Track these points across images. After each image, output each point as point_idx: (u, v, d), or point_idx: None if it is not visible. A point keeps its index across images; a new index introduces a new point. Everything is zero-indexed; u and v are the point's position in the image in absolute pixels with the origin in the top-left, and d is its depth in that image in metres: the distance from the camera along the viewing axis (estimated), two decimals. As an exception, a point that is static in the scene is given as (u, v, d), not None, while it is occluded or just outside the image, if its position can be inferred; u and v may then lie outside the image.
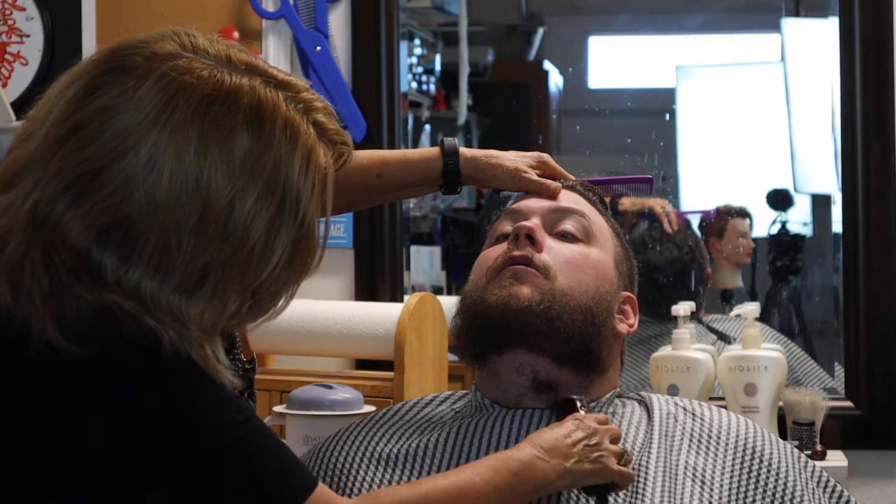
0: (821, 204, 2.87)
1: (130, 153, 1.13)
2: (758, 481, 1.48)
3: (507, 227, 1.60)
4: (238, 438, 1.15)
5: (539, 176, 1.64)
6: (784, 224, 2.90)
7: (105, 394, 1.12)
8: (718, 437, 1.52)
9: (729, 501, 1.46)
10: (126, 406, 1.12)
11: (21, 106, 2.59)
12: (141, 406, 1.12)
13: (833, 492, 1.54)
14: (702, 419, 1.55)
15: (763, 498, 1.47)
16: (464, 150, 1.66)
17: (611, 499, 1.44)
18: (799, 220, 2.92)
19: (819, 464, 1.65)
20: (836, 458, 2.33)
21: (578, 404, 1.49)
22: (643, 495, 1.44)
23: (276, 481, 1.16)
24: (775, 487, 1.48)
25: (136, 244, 1.13)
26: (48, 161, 1.14)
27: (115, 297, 1.12)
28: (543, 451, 1.37)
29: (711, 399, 2.30)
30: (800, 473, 1.51)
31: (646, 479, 1.46)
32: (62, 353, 1.12)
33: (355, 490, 1.50)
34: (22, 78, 2.62)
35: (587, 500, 1.44)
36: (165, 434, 1.12)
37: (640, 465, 1.48)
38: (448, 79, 3.18)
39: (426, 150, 1.68)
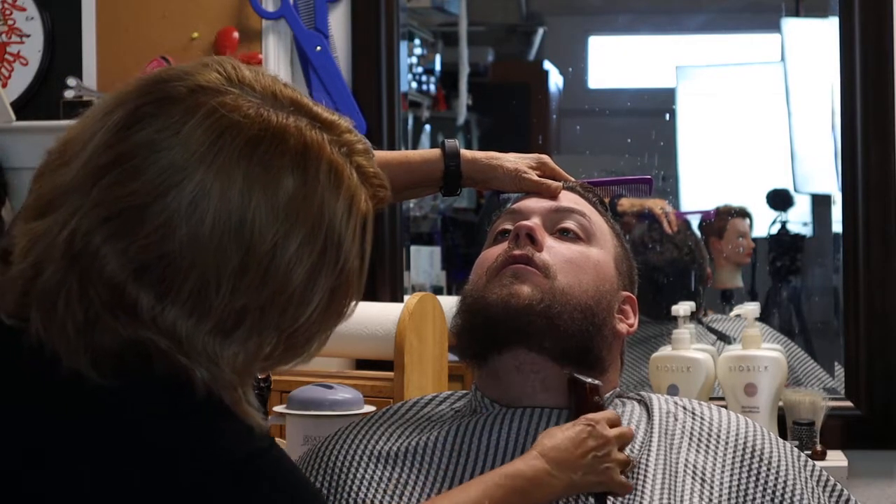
0: (821, 204, 2.87)
1: (174, 191, 1.11)
2: (758, 480, 1.48)
3: (507, 226, 1.60)
4: (260, 467, 1.14)
5: (539, 177, 1.65)
6: (784, 224, 2.90)
7: (128, 425, 1.12)
8: (718, 436, 1.52)
9: (729, 499, 1.46)
10: (148, 438, 1.11)
11: (21, 106, 2.60)
12: (163, 439, 1.12)
13: (833, 491, 1.54)
14: (702, 418, 1.55)
15: (763, 496, 1.47)
16: (464, 152, 1.66)
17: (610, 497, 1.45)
18: (799, 220, 2.92)
19: (819, 464, 1.65)
20: (836, 458, 2.34)
21: (588, 388, 1.49)
22: (643, 494, 1.45)
23: None
24: (775, 486, 1.48)
25: (174, 283, 1.11)
26: (87, 190, 1.12)
27: (150, 333, 1.11)
28: (554, 464, 1.39)
29: (711, 399, 2.31)
30: (800, 472, 1.51)
31: (646, 477, 1.46)
32: (90, 383, 1.11)
33: (354, 488, 1.50)
34: (22, 78, 2.62)
35: (585, 499, 1.45)
36: (187, 466, 1.12)
37: (640, 463, 1.48)
38: (448, 79, 3.18)
39: (427, 151, 1.68)
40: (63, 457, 1.11)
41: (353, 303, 1.22)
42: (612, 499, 1.44)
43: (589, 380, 1.50)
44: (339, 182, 1.17)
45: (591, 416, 1.46)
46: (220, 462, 1.12)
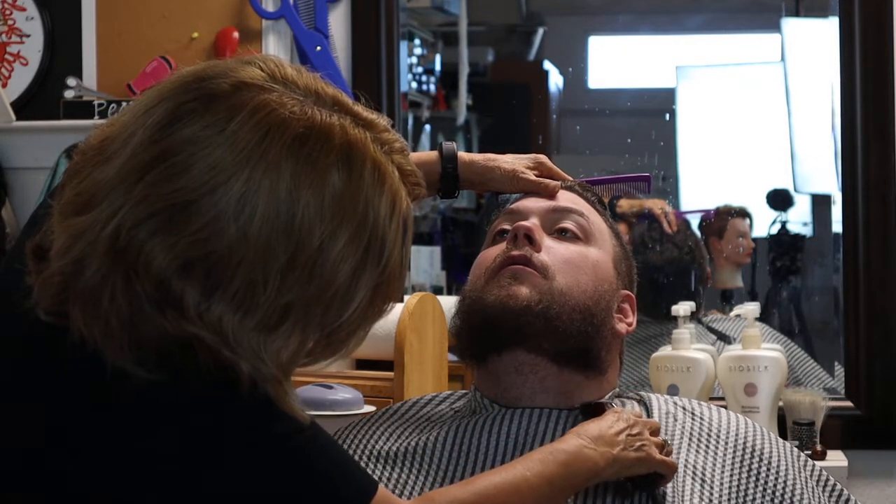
0: (821, 204, 2.88)
1: (222, 188, 1.10)
2: (757, 480, 1.48)
3: (505, 226, 1.60)
4: (302, 444, 1.16)
5: (537, 176, 1.65)
6: (784, 224, 2.90)
7: (176, 417, 1.13)
8: (718, 436, 1.52)
9: (729, 500, 1.46)
10: (196, 426, 1.13)
11: (21, 106, 2.60)
12: (210, 425, 1.13)
13: (833, 491, 1.54)
14: (701, 418, 1.55)
15: (763, 496, 1.47)
16: (462, 154, 1.66)
17: (608, 498, 1.44)
18: (799, 220, 2.92)
19: (819, 464, 1.65)
20: (836, 458, 2.34)
21: (603, 406, 1.50)
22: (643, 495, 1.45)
23: (339, 484, 1.18)
24: (775, 486, 1.48)
25: (222, 280, 1.11)
26: (132, 186, 1.11)
27: (196, 329, 1.11)
28: (590, 439, 1.40)
29: (711, 399, 2.31)
30: (799, 472, 1.51)
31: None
32: (136, 377, 1.11)
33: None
34: (22, 78, 2.63)
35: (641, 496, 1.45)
36: (234, 447, 1.14)
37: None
38: (448, 79, 3.18)
39: (424, 153, 1.68)
40: (110, 446, 1.13)
41: (393, 300, 1.22)
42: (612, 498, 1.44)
43: (604, 401, 1.52)
44: (382, 180, 1.17)
45: (615, 408, 1.48)
46: (265, 437, 1.14)
